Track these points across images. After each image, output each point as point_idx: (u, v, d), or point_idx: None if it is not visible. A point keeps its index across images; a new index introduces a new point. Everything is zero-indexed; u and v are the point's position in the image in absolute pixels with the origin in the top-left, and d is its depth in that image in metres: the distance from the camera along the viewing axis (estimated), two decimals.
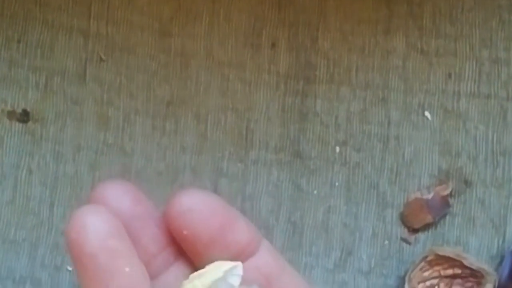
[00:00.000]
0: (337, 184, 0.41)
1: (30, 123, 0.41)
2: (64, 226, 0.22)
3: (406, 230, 0.40)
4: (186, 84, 0.41)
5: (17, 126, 0.41)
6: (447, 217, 0.40)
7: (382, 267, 0.40)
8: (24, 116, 0.41)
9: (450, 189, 0.40)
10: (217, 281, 0.23)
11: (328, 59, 0.41)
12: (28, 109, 0.41)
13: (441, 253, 0.39)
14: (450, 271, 0.39)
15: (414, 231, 0.40)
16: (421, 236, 0.40)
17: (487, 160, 0.40)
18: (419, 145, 0.41)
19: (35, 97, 0.41)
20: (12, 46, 0.41)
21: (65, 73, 0.41)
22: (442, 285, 0.39)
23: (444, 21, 0.41)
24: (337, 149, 0.41)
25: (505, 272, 0.39)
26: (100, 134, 0.41)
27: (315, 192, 0.41)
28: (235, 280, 0.24)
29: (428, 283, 0.39)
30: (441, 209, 0.40)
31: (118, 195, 0.24)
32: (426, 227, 0.40)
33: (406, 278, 0.39)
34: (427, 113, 0.41)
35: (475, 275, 0.39)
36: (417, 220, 0.40)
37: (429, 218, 0.40)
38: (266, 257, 0.25)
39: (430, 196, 0.40)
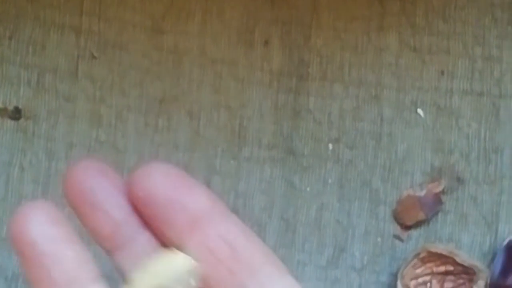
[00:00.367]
0: (330, 181, 0.41)
1: (22, 120, 0.41)
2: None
3: (398, 227, 0.41)
4: (179, 82, 0.41)
5: (9, 123, 0.41)
6: (440, 214, 0.41)
7: (375, 264, 0.41)
8: (16, 113, 0.41)
9: (442, 186, 0.40)
10: (165, 276, 0.23)
11: (321, 56, 0.41)
12: (20, 106, 0.41)
13: (433, 250, 0.39)
14: (442, 268, 0.39)
15: (407, 228, 0.41)
16: (414, 233, 0.41)
17: (480, 158, 0.41)
18: (412, 142, 0.41)
19: (27, 94, 0.41)
20: (3, 43, 0.41)
21: (57, 70, 0.41)
22: (434, 282, 0.39)
23: (437, 18, 0.41)
24: (330, 146, 0.41)
25: (497, 269, 0.39)
26: (92, 132, 0.41)
27: (308, 189, 0.41)
28: (189, 277, 0.23)
29: (420, 280, 0.39)
30: (433, 206, 0.40)
31: (85, 169, 0.24)
32: (418, 224, 0.40)
33: (399, 275, 0.39)
34: (419, 111, 0.41)
35: (468, 272, 0.39)
36: (410, 217, 0.40)
37: (421, 215, 0.40)
38: (231, 227, 0.24)
39: (422, 193, 0.40)
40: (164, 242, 0.24)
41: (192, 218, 0.23)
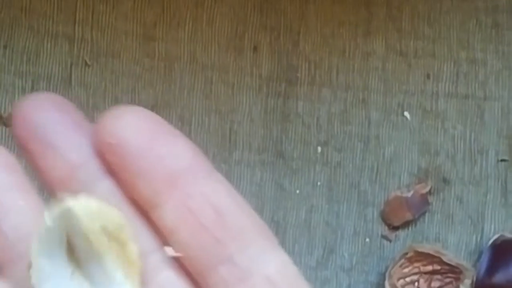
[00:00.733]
0: (319, 183, 0.42)
1: None
2: None
3: (386, 227, 0.41)
4: (170, 88, 0.42)
5: (3, 130, 0.42)
6: (427, 214, 0.41)
7: (363, 264, 0.41)
8: (11, 121, 0.42)
9: (429, 187, 0.41)
10: (57, 225, 0.19)
11: (309, 61, 0.42)
12: None
13: (420, 250, 0.40)
14: (429, 267, 0.40)
15: (395, 228, 0.41)
16: (401, 233, 0.41)
17: (465, 159, 0.41)
18: (399, 144, 0.42)
19: None
20: None
21: (50, 77, 0.42)
22: (421, 281, 0.40)
23: (422, 23, 0.42)
24: (319, 149, 0.42)
25: (483, 267, 0.40)
26: None
27: (297, 191, 0.42)
28: (77, 220, 0.19)
29: (408, 279, 0.40)
30: (420, 206, 0.41)
31: (42, 104, 0.20)
32: (406, 224, 0.41)
33: (387, 275, 0.40)
34: (406, 113, 0.42)
35: (454, 271, 0.40)
36: (397, 217, 0.41)
37: (409, 216, 0.41)
38: (218, 189, 0.20)
39: (409, 194, 0.41)
40: (135, 199, 0.20)
41: (172, 173, 0.19)
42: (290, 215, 0.42)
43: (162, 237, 0.19)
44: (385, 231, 0.41)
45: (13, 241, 0.19)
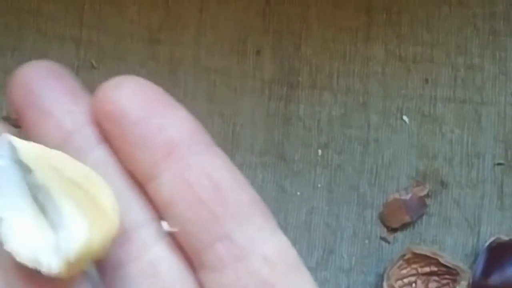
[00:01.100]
0: (319, 185, 0.42)
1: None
2: None
3: (385, 229, 0.42)
4: (174, 90, 0.43)
5: (12, 131, 0.43)
6: (424, 217, 0.42)
7: (362, 265, 0.42)
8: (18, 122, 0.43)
9: (427, 190, 0.42)
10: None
11: (310, 65, 0.43)
12: None
13: (418, 251, 0.41)
14: (427, 269, 0.41)
15: (393, 230, 0.42)
16: (400, 235, 0.42)
17: (462, 162, 0.42)
18: (398, 148, 0.42)
19: None
20: (7, 54, 0.43)
21: None
22: (419, 282, 0.41)
23: (421, 29, 0.43)
24: (319, 152, 0.43)
25: (479, 269, 0.40)
26: None
27: (298, 193, 0.42)
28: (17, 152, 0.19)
29: (406, 280, 0.41)
30: (418, 209, 0.42)
31: (38, 71, 0.20)
32: (404, 226, 0.42)
33: (385, 276, 0.41)
34: (405, 117, 0.43)
35: (451, 272, 0.41)
36: (396, 220, 0.42)
37: (407, 218, 0.42)
38: (217, 162, 0.19)
39: (408, 197, 0.42)
40: (131, 168, 0.19)
41: (170, 143, 0.18)
42: (291, 216, 0.42)
43: (158, 210, 0.19)
44: (384, 233, 0.42)
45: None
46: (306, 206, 0.42)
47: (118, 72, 0.43)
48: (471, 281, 0.40)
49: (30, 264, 0.17)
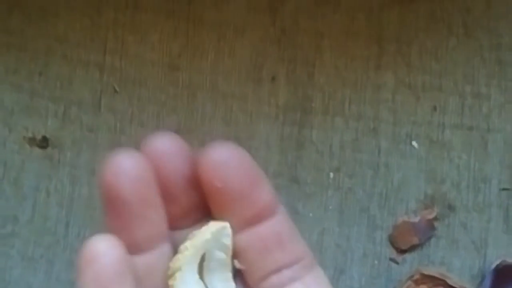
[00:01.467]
0: (330, 207, 0.44)
1: (49, 148, 0.44)
2: (101, 170, 0.23)
3: (394, 251, 0.43)
4: (193, 114, 0.44)
5: (37, 151, 0.45)
6: (432, 239, 0.43)
7: (372, 285, 0.43)
8: (44, 142, 0.45)
9: (435, 213, 0.43)
10: (207, 241, 0.24)
11: (323, 92, 0.44)
12: (48, 136, 0.45)
13: (426, 272, 0.42)
14: None
15: (402, 252, 0.43)
16: (408, 256, 0.43)
17: (469, 187, 0.43)
18: (407, 172, 0.44)
19: (54, 125, 0.45)
20: (34, 78, 0.45)
21: (81, 103, 0.45)
22: None
23: (430, 58, 0.44)
24: (331, 175, 0.44)
25: None
26: None
27: (310, 215, 0.44)
28: (227, 240, 0.25)
29: None
30: (426, 231, 0.43)
31: (167, 152, 0.24)
32: (413, 248, 0.43)
33: None
34: (414, 143, 0.44)
35: None
36: (405, 241, 0.43)
37: (415, 240, 0.43)
38: (281, 221, 0.25)
39: (416, 219, 0.43)
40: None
41: (255, 213, 0.24)
42: (303, 237, 0.44)
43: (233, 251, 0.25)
44: (393, 254, 0.43)
45: (139, 243, 0.23)
46: (318, 227, 0.44)
47: (139, 97, 0.45)
48: None
49: None
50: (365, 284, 0.43)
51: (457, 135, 0.44)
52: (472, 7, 0.44)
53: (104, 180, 0.23)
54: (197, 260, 0.25)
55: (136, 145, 0.45)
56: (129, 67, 0.45)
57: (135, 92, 0.45)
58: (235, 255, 0.25)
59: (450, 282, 0.42)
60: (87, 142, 0.44)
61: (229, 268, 0.25)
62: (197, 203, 0.25)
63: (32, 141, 0.45)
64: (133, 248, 0.23)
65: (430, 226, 0.43)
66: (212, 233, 0.24)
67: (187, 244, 0.24)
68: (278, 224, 0.25)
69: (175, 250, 0.25)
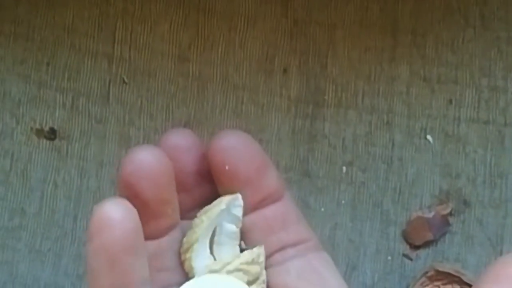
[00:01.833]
0: (343, 202, 0.43)
1: (56, 140, 0.44)
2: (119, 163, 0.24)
3: (408, 246, 0.43)
4: (203, 106, 0.44)
5: (45, 143, 0.44)
6: (447, 235, 0.43)
7: (385, 281, 0.43)
8: (51, 134, 0.44)
9: (450, 209, 0.43)
10: (221, 213, 0.25)
11: (336, 84, 0.44)
12: (55, 127, 0.44)
13: (441, 269, 0.41)
14: (449, 286, 0.41)
15: (416, 247, 0.43)
16: (422, 252, 0.43)
17: (485, 182, 0.43)
18: (421, 166, 0.43)
19: (62, 116, 0.44)
20: (41, 68, 0.44)
21: (90, 94, 0.44)
22: None
23: (445, 50, 0.43)
24: (344, 169, 0.43)
25: None
26: (121, 152, 0.44)
27: (322, 209, 0.43)
28: (238, 211, 0.25)
29: None
30: (441, 227, 0.42)
31: (183, 147, 0.25)
32: (427, 244, 0.43)
33: None
34: (429, 137, 0.43)
35: None
36: (419, 237, 0.43)
37: (430, 236, 0.42)
38: (287, 205, 0.26)
39: (431, 215, 0.42)
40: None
41: (262, 198, 0.25)
42: (315, 232, 0.43)
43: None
44: (407, 250, 0.43)
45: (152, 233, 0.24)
46: (330, 222, 0.43)
47: (149, 88, 0.44)
48: None
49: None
50: (378, 280, 0.43)
51: (473, 129, 0.43)
52: None
53: (123, 177, 0.23)
54: (209, 234, 0.25)
55: (145, 137, 0.44)
56: (138, 58, 0.44)
57: (144, 83, 0.44)
58: (240, 236, 0.26)
59: (465, 279, 0.41)
60: (95, 134, 0.44)
61: (237, 242, 0.26)
62: (208, 195, 0.26)
63: (39, 132, 0.44)
64: (145, 237, 0.23)
65: (445, 221, 0.42)
66: (226, 203, 0.25)
67: (203, 217, 0.25)
68: (283, 207, 0.26)
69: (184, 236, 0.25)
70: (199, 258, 0.25)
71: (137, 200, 0.23)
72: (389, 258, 0.43)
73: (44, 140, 0.44)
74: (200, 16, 0.44)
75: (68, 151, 0.44)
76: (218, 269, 0.25)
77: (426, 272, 0.41)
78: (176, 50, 0.44)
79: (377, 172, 0.43)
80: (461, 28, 0.43)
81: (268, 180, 0.25)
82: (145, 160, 0.23)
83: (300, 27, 0.44)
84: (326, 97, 0.44)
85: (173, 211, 0.24)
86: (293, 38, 0.44)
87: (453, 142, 0.43)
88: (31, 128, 0.44)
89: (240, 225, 0.26)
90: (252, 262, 0.25)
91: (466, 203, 0.43)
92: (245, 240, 0.26)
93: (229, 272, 0.25)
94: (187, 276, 0.25)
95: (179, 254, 0.25)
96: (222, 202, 0.25)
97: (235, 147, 0.24)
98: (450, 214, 0.43)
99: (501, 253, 0.42)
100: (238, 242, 0.26)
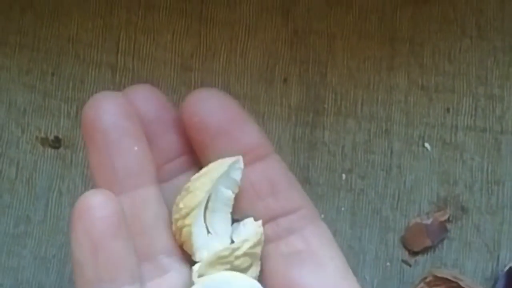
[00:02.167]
0: (343, 209, 0.44)
1: (61, 149, 0.45)
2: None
3: (406, 252, 0.43)
4: None
5: (50, 151, 0.45)
6: (445, 241, 0.43)
7: (384, 287, 0.43)
8: (56, 143, 0.45)
9: (447, 215, 0.43)
10: (224, 174, 0.23)
11: (335, 93, 0.44)
12: (60, 136, 0.45)
13: (439, 274, 0.42)
14: None
15: (414, 253, 0.43)
16: (421, 258, 0.43)
17: (482, 189, 0.43)
18: (419, 174, 0.44)
19: (67, 125, 0.45)
20: (46, 78, 0.45)
21: None
22: None
23: (443, 59, 0.44)
24: (343, 176, 0.44)
25: None
26: None
27: (322, 216, 0.44)
28: (237, 174, 0.23)
29: None
30: (439, 233, 0.43)
31: (144, 98, 0.24)
32: (425, 250, 0.43)
33: None
34: (427, 145, 0.44)
35: None
36: (417, 243, 0.43)
37: (428, 242, 0.43)
38: (274, 166, 0.24)
39: (429, 221, 0.43)
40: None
41: (241, 152, 0.23)
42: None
43: None
44: (405, 256, 0.43)
45: (122, 177, 0.22)
46: (330, 229, 0.43)
47: None
48: None
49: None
50: (377, 286, 0.43)
51: (470, 137, 0.44)
52: (486, 8, 0.44)
53: (83, 117, 0.22)
54: (206, 200, 0.23)
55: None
56: (141, 68, 0.45)
57: None
58: None
59: (463, 284, 0.41)
60: None
61: (230, 209, 0.24)
62: (180, 150, 0.24)
63: (44, 141, 0.45)
64: (116, 185, 0.22)
65: (442, 228, 0.43)
66: (228, 165, 0.23)
67: (203, 179, 0.23)
68: (269, 169, 0.24)
69: (166, 204, 0.23)
70: (198, 227, 0.23)
71: (97, 133, 0.22)
72: (388, 264, 0.43)
73: (49, 149, 0.45)
74: (202, 26, 0.45)
75: (72, 159, 0.45)
76: (227, 255, 0.23)
77: (425, 278, 0.42)
78: (179, 60, 0.45)
79: (376, 180, 0.44)
80: (458, 38, 0.44)
81: (246, 134, 0.23)
82: (105, 99, 0.22)
83: (300, 37, 0.45)
84: (325, 106, 0.44)
85: (140, 149, 0.22)
86: (293, 47, 0.45)
87: (450, 149, 0.44)
88: (36, 137, 0.45)
89: (237, 190, 0.23)
90: (258, 243, 0.23)
91: (463, 209, 0.43)
92: (233, 210, 0.24)
93: (238, 258, 0.23)
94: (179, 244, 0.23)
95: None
96: (223, 164, 0.23)
97: (206, 99, 0.23)
98: (448, 220, 0.43)
99: (498, 259, 0.43)
100: (230, 210, 0.24)
